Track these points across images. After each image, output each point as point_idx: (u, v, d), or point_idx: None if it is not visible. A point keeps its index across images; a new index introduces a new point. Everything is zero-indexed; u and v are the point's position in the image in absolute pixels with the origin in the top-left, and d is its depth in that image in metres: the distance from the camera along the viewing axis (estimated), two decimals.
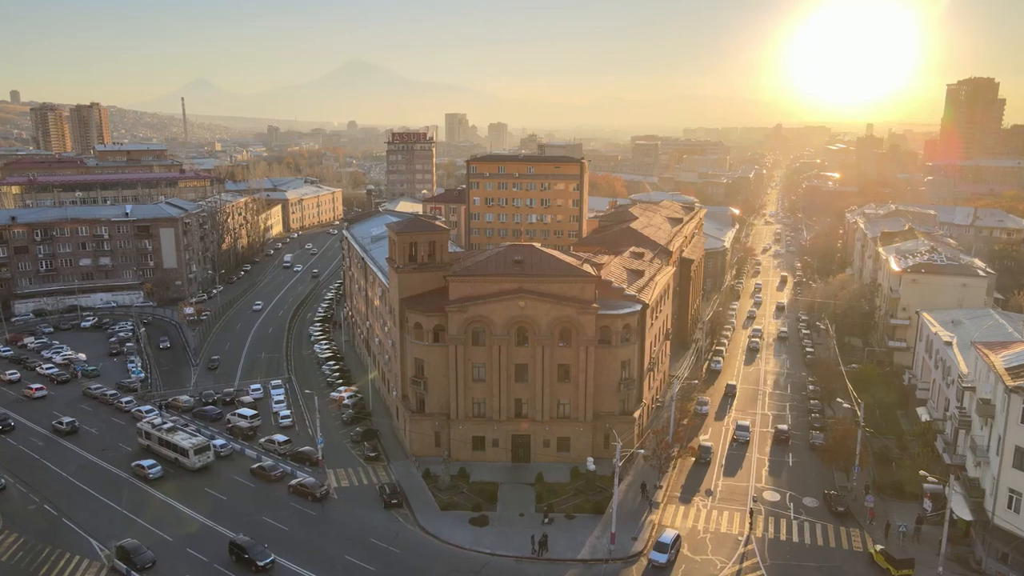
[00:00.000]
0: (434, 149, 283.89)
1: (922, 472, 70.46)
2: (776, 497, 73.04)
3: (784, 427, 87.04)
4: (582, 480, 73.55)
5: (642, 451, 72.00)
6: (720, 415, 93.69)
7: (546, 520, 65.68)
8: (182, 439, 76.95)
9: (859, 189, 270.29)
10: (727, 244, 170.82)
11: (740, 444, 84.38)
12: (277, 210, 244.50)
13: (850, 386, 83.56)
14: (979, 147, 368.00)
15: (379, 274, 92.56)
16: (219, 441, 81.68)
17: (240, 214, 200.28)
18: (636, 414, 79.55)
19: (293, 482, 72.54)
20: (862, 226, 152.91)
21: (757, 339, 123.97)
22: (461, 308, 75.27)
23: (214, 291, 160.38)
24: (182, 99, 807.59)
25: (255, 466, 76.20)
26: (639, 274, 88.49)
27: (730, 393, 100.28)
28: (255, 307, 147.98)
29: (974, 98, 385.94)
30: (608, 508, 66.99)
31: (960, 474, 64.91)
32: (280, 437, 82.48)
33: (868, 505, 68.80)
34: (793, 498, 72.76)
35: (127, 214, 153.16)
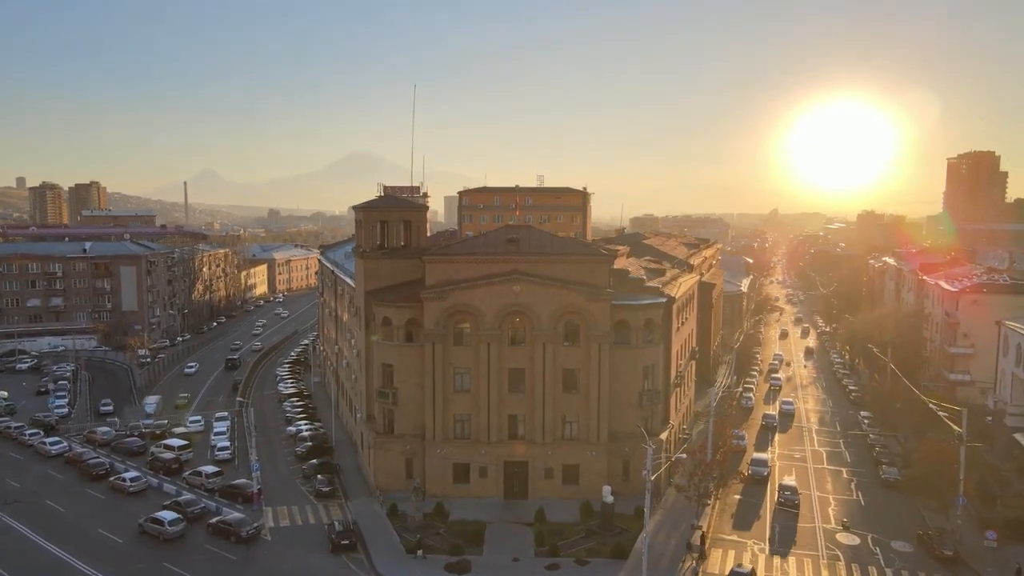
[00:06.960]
0: (428, 203, 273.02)
1: None
2: (855, 540, 55.17)
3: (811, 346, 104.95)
4: (596, 519, 55.88)
5: (684, 455, 54.69)
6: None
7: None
8: None
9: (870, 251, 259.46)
10: (744, 289, 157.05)
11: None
12: (262, 269, 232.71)
13: (930, 401, 66.87)
14: (984, 219, 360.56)
15: (348, 280, 77.58)
16: (130, 474, 64.23)
17: (218, 265, 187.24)
18: (663, 436, 62.37)
19: (213, 520, 54.92)
20: (894, 263, 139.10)
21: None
22: (440, 295, 59.87)
23: (178, 339, 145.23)
24: (184, 183, 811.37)
25: (169, 502, 58.62)
26: (659, 272, 73.40)
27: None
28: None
29: (975, 171, 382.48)
30: (633, 549, 49.42)
31: None
32: (210, 469, 65.00)
33: (989, 544, 51.04)
34: (878, 542, 54.89)
35: (85, 251, 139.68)
